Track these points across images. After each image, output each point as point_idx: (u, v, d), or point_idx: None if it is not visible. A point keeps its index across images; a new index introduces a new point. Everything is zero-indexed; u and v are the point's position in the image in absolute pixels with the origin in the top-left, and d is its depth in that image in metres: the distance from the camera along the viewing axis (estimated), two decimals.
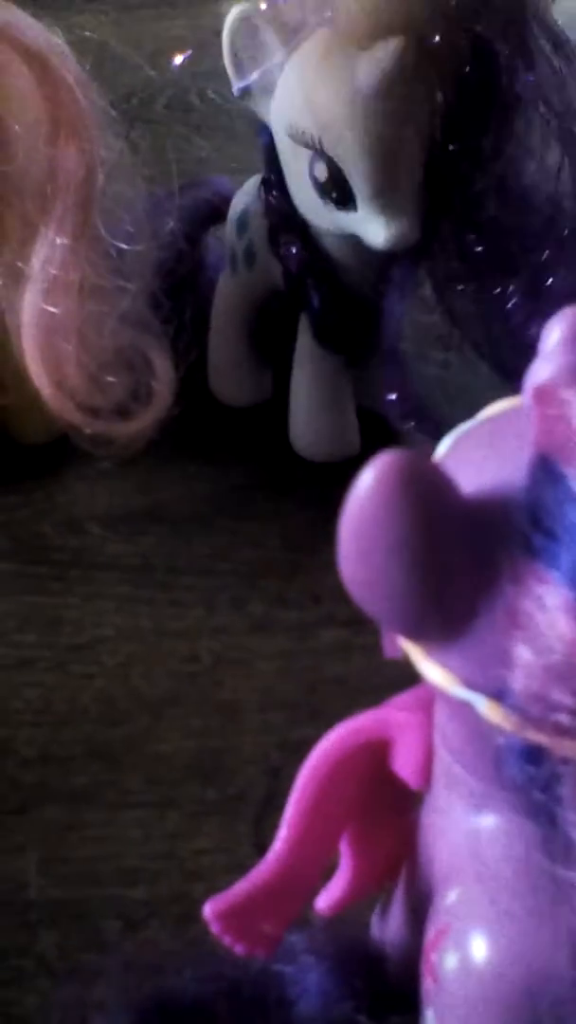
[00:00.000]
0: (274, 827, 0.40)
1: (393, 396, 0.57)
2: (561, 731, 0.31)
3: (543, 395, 0.32)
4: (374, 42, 0.52)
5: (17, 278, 0.56)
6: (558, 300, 0.38)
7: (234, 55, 0.56)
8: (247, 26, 0.56)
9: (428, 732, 0.37)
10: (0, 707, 0.56)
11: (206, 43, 0.63)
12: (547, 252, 0.55)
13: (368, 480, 0.30)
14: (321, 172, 0.55)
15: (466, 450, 0.34)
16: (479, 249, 0.55)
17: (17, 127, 0.54)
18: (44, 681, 0.57)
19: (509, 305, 0.55)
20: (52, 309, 0.56)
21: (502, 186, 0.54)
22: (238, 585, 0.60)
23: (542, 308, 0.51)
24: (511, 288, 0.55)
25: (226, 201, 0.64)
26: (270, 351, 0.65)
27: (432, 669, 0.33)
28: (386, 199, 0.54)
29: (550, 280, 0.55)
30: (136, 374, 0.58)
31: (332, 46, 0.54)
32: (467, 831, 0.37)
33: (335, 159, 0.54)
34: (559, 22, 0.54)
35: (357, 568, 0.31)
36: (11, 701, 0.56)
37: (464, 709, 0.32)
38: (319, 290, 0.60)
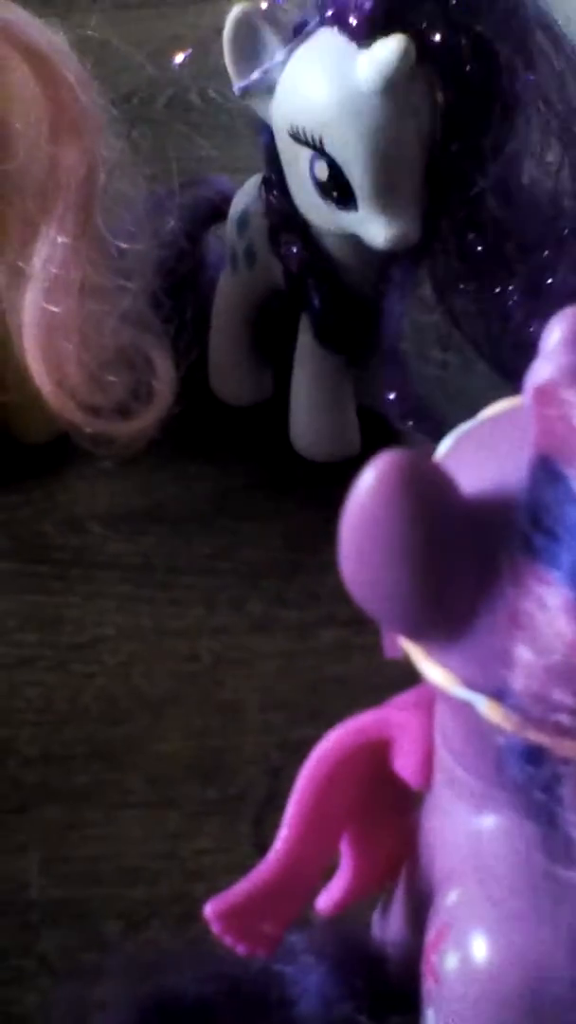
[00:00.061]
0: (274, 827, 0.40)
1: (393, 396, 0.58)
2: (562, 731, 0.31)
3: (543, 395, 0.32)
4: (374, 41, 0.52)
5: (18, 277, 0.56)
6: (558, 300, 0.38)
7: (235, 54, 0.56)
8: (248, 25, 0.56)
9: (428, 732, 0.37)
10: (1, 706, 0.56)
11: (207, 42, 0.63)
12: (547, 252, 0.55)
13: (369, 480, 0.30)
14: (322, 172, 0.55)
15: (467, 450, 0.34)
16: (479, 249, 0.55)
17: (18, 126, 0.54)
18: (45, 680, 0.57)
19: (509, 305, 0.55)
20: (53, 308, 0.56)
21: (503, 186, 0.54)
22: (238, 585, 0.60)
23: (542, 308, 0.51)
24: (511, 288, 0.55)
25: (227, 200, 0.64)
26: (271, 350, 0.65)
27: (433, 669, 0.33)
28: (387, 199, 0.54)
29: (550, 280, 0.55)
30: (137, 373, 0.58)
31: (332, 45, 0.54)
32: (468, 831, 0.37)
33: (335, 159, 0.54)
34: (559, 22, 0.54)
35: (358, 568, 0.31)
36: (12, 700, 0.56)
37: (465, 709, 0.32)
38: (320, 290, 0.60)
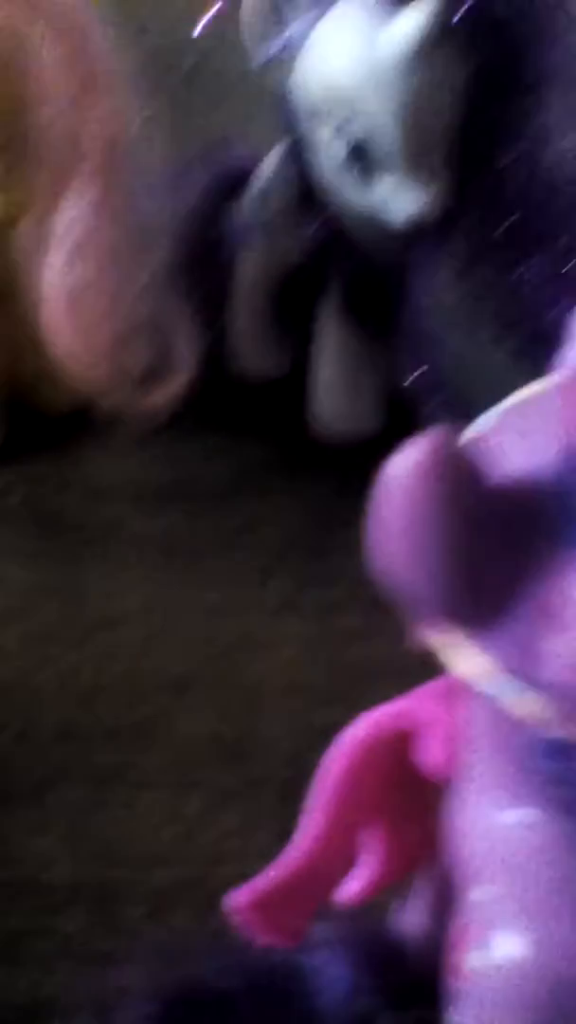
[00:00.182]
0: (297, 812, 0.40)
1: (417, 374, 0.57)
2: None
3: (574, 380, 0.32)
4: (402, 8, 0.51)
5: (43, 241, 0.56)
6: None
7: (256, 24, 0.56)
8: None
9: (455, 724, 0.37)
10: (20, 683, 0.56)
11: (229, 11, 0.62)
12: (572, 231, 0.54)
13: (408, 460, 0.30)
14: (347, 142, 0.54)
15: (500, 433, 0.33)
16: (505, 225, 0.55)
17: (43, 89, 0.54)
18: (65, 657, 0.56)
19: (535, 283, 0.55)
20: (77, 273, 0.56)
21: (528, 160, 0.54)
22: (261, 563, 0.59)
23: (569, 286, 0.51)
24: (537, 266, 0.55)
25: (249, 172, 0.63)
26: (292, 323, 0.65)
27: (463, 660, 0.32)
28: (414, 169, 0.54)
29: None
30: (159, 343, 0.58)
31: (358, 13, 0.53)
32: (494, 826, 0.36)
33: (362, 129, 0.53)
34: None
35: (393, 550, 0.31)
36: (32, 677, 0.56)
37: (495, 701, 0.32)
38: (343, 262, 0.59)
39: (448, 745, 0.37)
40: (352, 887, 0.41)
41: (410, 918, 0.43)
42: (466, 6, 0.51)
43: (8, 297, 0.59)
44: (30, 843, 0.51)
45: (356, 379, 0.63)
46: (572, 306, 0.34)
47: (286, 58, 0.56)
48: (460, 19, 0.51)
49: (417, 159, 0.53)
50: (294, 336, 0.65)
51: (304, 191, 0.59)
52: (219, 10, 0.60)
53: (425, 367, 0.57)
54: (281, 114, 0.59)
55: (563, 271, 0.54)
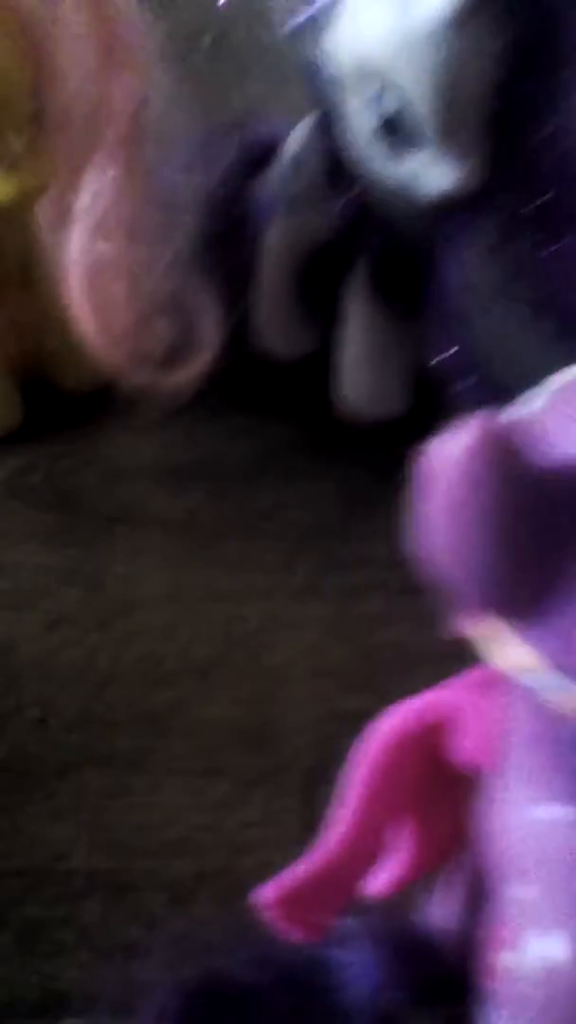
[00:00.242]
0: (323, 800, 0.39)
1: (445, 354, 0.56)
2: None
3: None
4: None
5: (66, 214, 0.56)
6: None
7: None
8: None
9: (490, 716, 0.36)
10: (40, 665, 0.55)
11: None
12: None
13: (455, 446, 0.29)
14: (379, 114, 0.53)
15: (549, 417, 0.32)
16: (540, 201, 0.54)
17: (67, 59, 0.54)
18: (86, 640, 0.56)
19: (569, 261, 0.54)
20: (100, 247, 0.55)
21: (565, 135, 0.53)
22: (285, 546, 0.59)
23: None
24: (572, 243, 0.54)
25: (276, 145, 0.63)
26: (318, 301, 0.64)
27: (505, 653, 0.32)
28: (446, 143, 0.53)
29: None
30: (183, 321, 0.58)
31: None
32: (531, 822, 0.36)
33: (395, 101, 0.52)
34: None
35: (439, 539, 0.30)
36: (52, 659, 0.55)
37: (534, 694, 0.31)
38: (371, 238, 0.58)
39: (483, 738, 0.37)
40: (381, 880, 0.40)
41: (439, 912, 0.42)
42: None
43: (29, 275, 0.59)
44: (48, 830, 0.50)
45: (383, 359, 0.62)
46: None
47: (316, 28, 0.55)
48: None
49: (451, 132, 0.53)
50: (320, 314, 0.64)
51: (333, 165, 0.58)
52: None
53: (454, 347, 0.56)
54: (310, 85, 0.58)
55: None
